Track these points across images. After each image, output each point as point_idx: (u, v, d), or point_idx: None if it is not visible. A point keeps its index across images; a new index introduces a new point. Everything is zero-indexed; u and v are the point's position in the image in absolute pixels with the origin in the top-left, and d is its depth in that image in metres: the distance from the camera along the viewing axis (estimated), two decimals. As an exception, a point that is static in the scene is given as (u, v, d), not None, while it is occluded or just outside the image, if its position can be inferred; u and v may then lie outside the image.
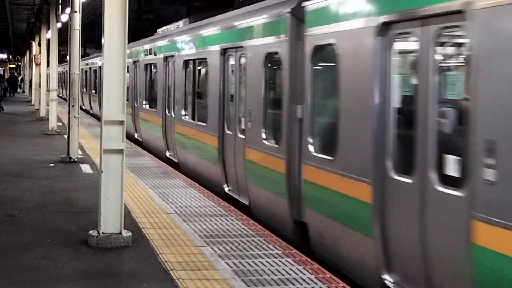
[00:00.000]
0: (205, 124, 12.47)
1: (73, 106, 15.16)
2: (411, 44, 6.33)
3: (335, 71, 7.55)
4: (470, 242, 5.22)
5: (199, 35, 13.37)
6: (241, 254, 7.30)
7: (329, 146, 7.67)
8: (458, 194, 5.44)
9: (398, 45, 6.54)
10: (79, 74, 15.45)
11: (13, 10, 32.33)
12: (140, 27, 56.15)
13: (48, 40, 26.12)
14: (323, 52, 8.11)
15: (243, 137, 10.40)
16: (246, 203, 10.27)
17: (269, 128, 9.65)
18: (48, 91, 23.77)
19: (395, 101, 6.60)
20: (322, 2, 7.96)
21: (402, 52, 6.65)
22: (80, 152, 15.35)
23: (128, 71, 17.58)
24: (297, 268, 6.81)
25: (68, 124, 15.30)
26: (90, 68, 34.08)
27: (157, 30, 23.47)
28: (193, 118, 13.77)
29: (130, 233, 7.76)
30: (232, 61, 11.33)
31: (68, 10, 17.62)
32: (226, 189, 11.27)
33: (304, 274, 6.62)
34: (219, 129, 11.59)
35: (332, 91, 7.81)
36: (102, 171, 7.67)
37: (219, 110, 11.62)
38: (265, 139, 9.59)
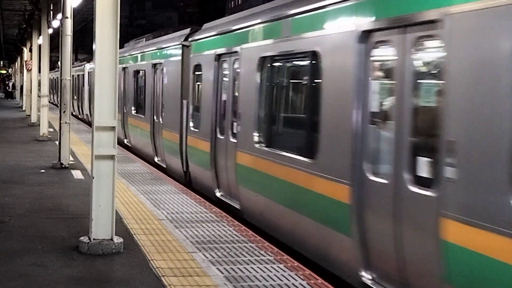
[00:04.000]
0: (143, 116, 18.13)
1: (64, 112, 15.13)
2: (227, 65, 11.65)
3: (201, 79, 13.24)
4: (186, 145, 13.51)
5: (141, 53, 19.28)
6: (233, 260, 7.30)
7: (197, 123, 13.23)
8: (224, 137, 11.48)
9: (224, 65, 11.83)
10: (70, 80, 15.43)
11: (4, 16, 32.28)
12: (132, 33, 56.08)
13: (40, 46, 26.07)
14: (198, 68, 13.39)
15: (162, 122, 15.99)
16: (164, 166, 15.68)
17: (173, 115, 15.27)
18: (40, 97, 23.71)
19: (223, 97, 11.87)
20: (197, 39, 13.60)
21: (225, 69, 11.79)
22: (71, 158, 15.33)
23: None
24: (288, 274, 6.82)
25: (60, 130, 15.27)
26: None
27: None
28: (137, 112, 19.55)
29: (121, 240, 7.74)
30: (158, 72, 16.77)
31: (59, 16, 17.62)
32: (156, 160, 16.53)
33: (296, 280, 6.63)
34: (151, 119, 17.04)
35: (199, 91, 13.50)
36: (93, 177, 7.65)
37: (151, 105, 17.10)
38: (171, 123, 15.15)
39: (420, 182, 5.92)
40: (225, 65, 11.79)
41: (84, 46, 60.49)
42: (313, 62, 8.15)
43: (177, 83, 14.69)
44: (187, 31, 14.71)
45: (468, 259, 5.21)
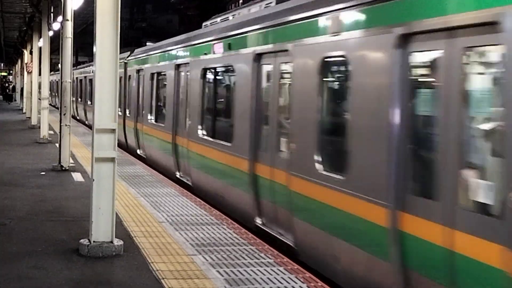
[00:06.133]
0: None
1: (64, 114, 15.14)
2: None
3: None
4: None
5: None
6: (233, 263, 7.31)
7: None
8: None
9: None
10: (71, 82, 15.44)
11: (4, 19, 32.29)
12: (133, 35, 56.13)
13: (40, 48, 26.08)
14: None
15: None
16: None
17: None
18: (40, 99, 23.71)
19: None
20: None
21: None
22: (71, 161, 15.33)
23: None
24: (288, 277, 6.82)
25: (60, 132, 15.28)
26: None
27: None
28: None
29: (121, 242, 7.74)
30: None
31: (60, 18, 17.63)
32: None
33: (296, 283, 6.63)
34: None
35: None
36: (93, 180, 7.66)
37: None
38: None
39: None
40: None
41: (84, 49, 60.49)
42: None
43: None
44: None
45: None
